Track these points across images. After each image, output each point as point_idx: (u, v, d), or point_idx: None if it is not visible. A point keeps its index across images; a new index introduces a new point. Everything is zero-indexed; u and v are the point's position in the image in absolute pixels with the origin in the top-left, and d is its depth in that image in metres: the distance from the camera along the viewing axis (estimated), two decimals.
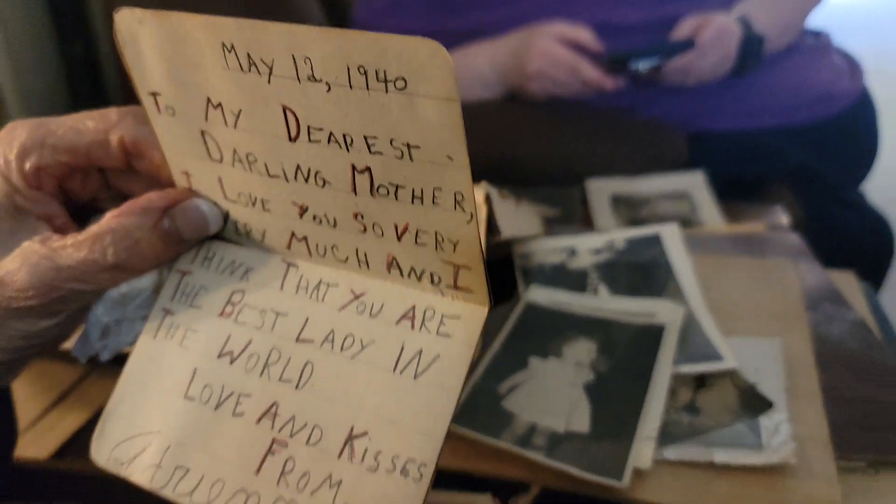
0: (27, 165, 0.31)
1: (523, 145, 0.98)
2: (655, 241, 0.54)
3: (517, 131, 1.00)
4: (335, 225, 0.30)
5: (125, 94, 1.43)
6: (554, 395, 0.42)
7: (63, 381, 0.55)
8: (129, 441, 0.31)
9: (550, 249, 0.55)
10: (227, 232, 0.33)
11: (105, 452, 0.31)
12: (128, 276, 0.31)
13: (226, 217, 0.33)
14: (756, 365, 0.45)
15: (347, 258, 0.30)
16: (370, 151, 0.26)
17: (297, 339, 0.30)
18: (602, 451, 0.38)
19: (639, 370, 0.43)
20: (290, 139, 0.28)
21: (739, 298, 0.51)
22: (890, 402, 0.44)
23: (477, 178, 0.81)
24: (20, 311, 0.30)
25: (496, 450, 0.39)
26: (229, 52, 0.27)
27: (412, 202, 0.27)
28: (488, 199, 0.39)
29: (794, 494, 0.37)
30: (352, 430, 0.28)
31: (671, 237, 0.54)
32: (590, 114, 1.00)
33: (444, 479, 0.39)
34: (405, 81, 0.24)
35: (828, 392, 0.45)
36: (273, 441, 0.29)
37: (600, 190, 0.89)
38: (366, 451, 0.27)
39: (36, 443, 0.49)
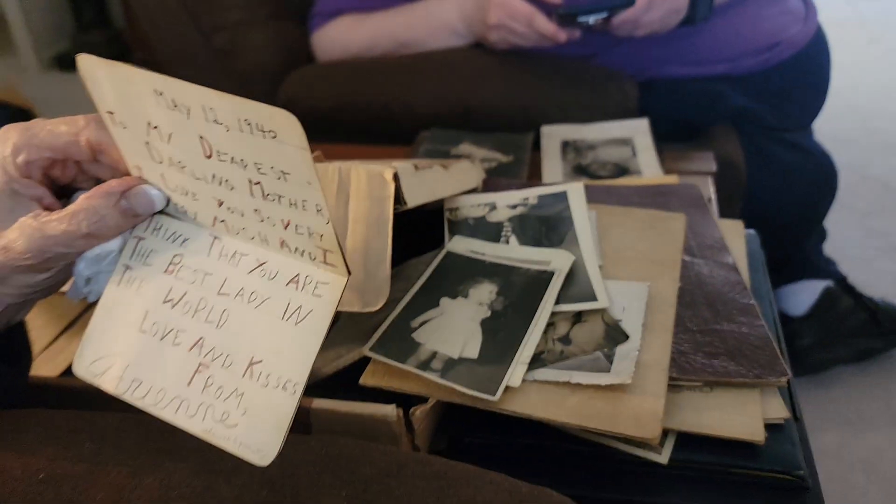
0: (19, 160, 0.41)
1: (483, 93, 1.06)
2: (562, 197, 0.64)
3: (478, 79, 1.07)
4: (243, 215, 0.40)
5: (127, 17, 1.47)
6: (455, 328, 0.53)
7: (69, 314, 0.66)
8: (100, 360, 0.42)
9: (475, 204, 0.65)
10: (170, 209, 0.44)
11: (83, 368, 0.42)
12: (98, 241, 0.42)
13: (168, 200, 0.43)
14: (625, 304, 0.55)
15: (254, 237, 0.41)
16: (259, 172, 0.37)
17: (219, 293, 0.41)
18: (484, 373, 0.49)
19: (527, 309, 0.54)
20: (206, 157, 0.38)
21: (628, 246, 0.61)
22: (734, 335, 0.54)
23: (440, 124, 0.91)
24: (22, 269, 0.41)
25: (402, 371, 0.50)
26: (160, 95, 0.37)
27: (290, 206, 0.38)
28: (396, 177, 0.49)
29: (626, 406, 0.47)
30: (252, 358, 0.39)
31: (576, 194, 0.64)
32: (546, 63, 1.07)
33: (359, 393, 0.50)
34: (275, 133, 0.34)
35: (686, 325, 0.55)
36: (199, 364, 0.40)
37: (552, 136, 0.98)
38: (261, 373, 0.38)
39: (47, 364, 0.61)
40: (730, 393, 0.51)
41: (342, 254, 0.38)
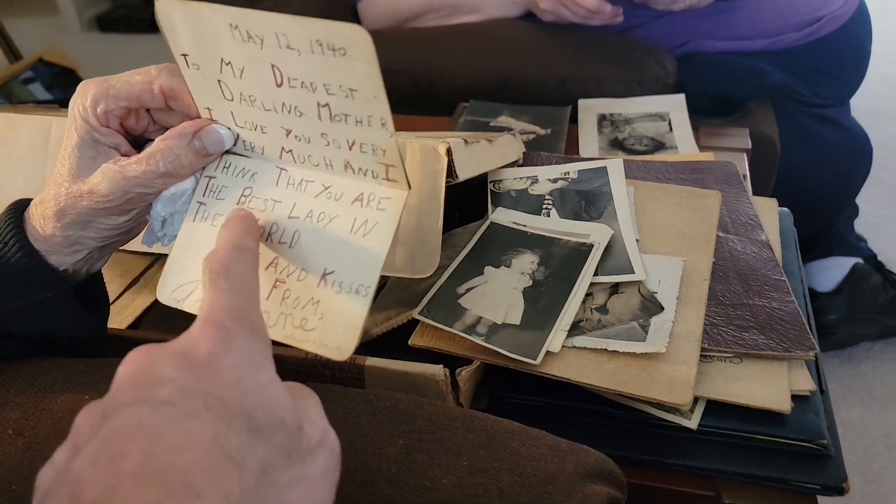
0: (99, 109, 0.44)
1: (521, 65, 1.08)
2: (602, 172, 0.66)
3: (517, 51, 1.09)
4: (309, 141, 0.43)
5: None
6: (499, 296, 0.56)
7: (133, 271, 0.70)
8: (182, 287, 0.46)
9: (517, 177, 0.67)
10: (238, 148, 0.47)
11: (166, 294, 0.46)
12: (174, 180, 0.45)
13: (237, 138, 0.46)
14: (660, 277, 0.58)
15: (319, 164, 0.44)
16: (328, 93, 0.40)
17: (289, 217, 0.45)
18: (526, 338, 0.52)
19: (567, 279, 0.57)
20: (277, 85, 0.41)
21: (663, 221, 0.64)
22: (765, 309, 0.57)
23: (478, 95, 0.93)
24: (105, 211, 0.45)
25: (450, 334, 0.53)
26: (234, 28, 0.40)
27: (356, 125, 0.40)
28: (449, 152, 0.52)
29: (660, 373, 0.50)
30: (325, 269, 0.43)
31: (615, 169, 0.66)
32: (585, 37, 1.09)
33: (409, 353, 0.54)
34: (345, 50, 0.37)
35: (719, 299, 0.58)
36: (276, 280, 0.44)
37: (589, 109, 0.99)
38: (334, 281, 0.42)
39: (114, 318, 0.65)
40: (758, 364, 0.54)
41: (403, 167, 0.41)
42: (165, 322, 0.65)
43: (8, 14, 1.74)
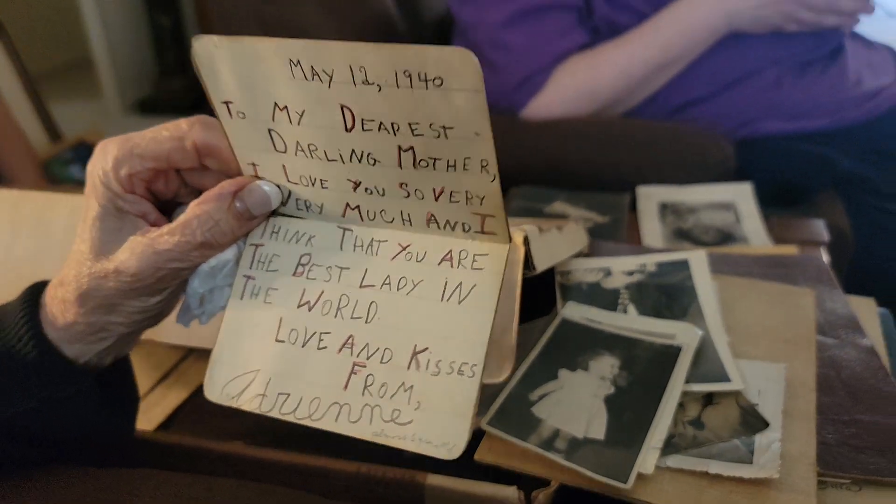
0: (122, 173, 0.38)
1: (574, 149, 1.04)
2: (684, 265, 0.60)
3: (570, 135, 1.05)
4: (383, 194, 0.37)
5: None
6: (577, 404, 0.49)
7: (164, 363, 0.65)
8: (236, 380, 0.39)
9: (588, 269, 0.62)
10: (288, 209, 0.41)
11: (217, 391, 0.39)
12: (213, 251, 0.39)
13: (287, 196, 0.40)
14: (760, 387, 0.51)
15: (393, 219, 0.38)
16: (413, 134, 0.34)
17: (361, 286, 0.38)
18: (613, 456, 0.45)
19: (654, 387, 0.50)
20: (347, 130, 0.35)
21: (755, 322, 0.57)
22: (881, 427, 0.49)
23: (536, 182, 0.88)
24: (135, 292, 0.38)
25: (523, 450, 0.47)
26: (295, 66, 0.34)
27: (447, 170, 0.34)
28: (526, 241, 0.46)
29: (773, 503, 0.43)
30: (415, 347, 0.36)
31: (698, 263, 0.60)
32: (637, 121, 1.05)
33: (477, 472, 0.47)
34: (442, 80, 0.31)
35: (826, 413, 0.51)
36: (354, 364, 0.37)
37: (649, 197, 0.94)
38: (429, 361, 0.36)
39: (143, 416, 0.58)
40: (882, 494, 0.46)
41: (505, 216, 0.35)
42: (201, 421, 0.59)
43: (53, 96, 1.77)
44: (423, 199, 0.36)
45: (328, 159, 0.37)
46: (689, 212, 0.91)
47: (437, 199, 0.36)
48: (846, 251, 0.96)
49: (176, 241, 0.37)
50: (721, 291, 0.60)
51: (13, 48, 1.40)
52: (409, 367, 0.36)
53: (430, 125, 0.33)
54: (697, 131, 1.05)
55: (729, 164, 1.03)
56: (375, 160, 0.36)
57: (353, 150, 0.36)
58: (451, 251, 0.37)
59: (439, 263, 0.37)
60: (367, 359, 0.37)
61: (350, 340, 0.38)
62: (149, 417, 0.59)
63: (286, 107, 0.36)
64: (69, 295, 0.39)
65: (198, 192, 0.41)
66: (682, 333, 0.54)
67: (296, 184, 0.39)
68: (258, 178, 0.40)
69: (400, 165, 0.35)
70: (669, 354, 0.52)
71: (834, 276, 0.65)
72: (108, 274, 0.38)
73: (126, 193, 0.39)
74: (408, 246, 0.38)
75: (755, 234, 0.85)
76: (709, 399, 0.50)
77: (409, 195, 0.37)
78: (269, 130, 0.37)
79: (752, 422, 0.48)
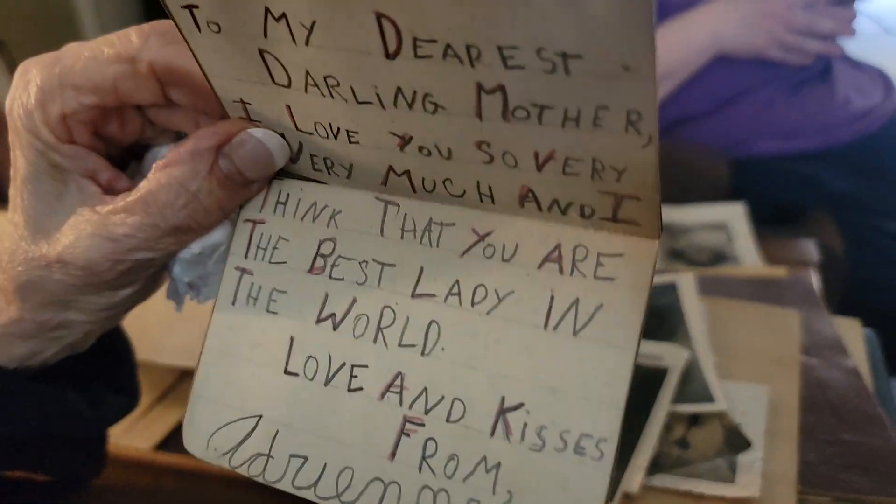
0: (52, 114, 0.26)
1: None
2: (672, 288, 0.62)
3: None
4: (449, 156, 0.24)
5: None
6: None
7: (163, 382, 0.62)
8: (228, 427, 0.27)
9: None
10: (301, 168, 0.28)
11: (200, 441, 0.27)
12: (193, 235, 0.27)
13: (298, 149, 0.27)
14: (744, 407, 0.52)
15: (465, 192, 0.25)
16: (505, 66, 0.20)
17: (413, 295, 0.25)
18: None
19: (640, 407, 0.51)
20: (388, 55, 0.21)
21: (742, 344, 0.59)
22: (861, 446, 0.51)
23: None
24: (92, 288, 0.27)
25: None
26: None
27: (563, 125, 0.21)
28: None
29: None
30: (503, 401, 0.24)
31: (686, 285, 0.62)
32: None
33: None
34: None
35: (808, 433, 0.52)
36: (405, 419, 0.25)
37: None
38: (525, 426, 0.23)
39: (140, 436, 0.57)
40: None
41: (658, 199, 0.22)
42: None
43: None
44: (515, 166, 0.23)
45: (357, 101, 0.23)
46: (683, 232, 0.92)
47: (539, 169, 0.23)
48: (839, 271, 0.97)
49: (138, 224, 0.26)
50: (710, 313, 0.61)
51: (14, 65, 1.42)
52: (493, 434, 0.24)
53: (539, 51, 0.19)
54: (692, 150, 1.07)
55: (724, 183, 1.05)
56: (437, 105, 0.22)
57: (398, 89, 0.22)
58: (559, 246, 0.24)
59: (540, 266, 0.24)
60: (426, 413, 0.25)
61: (398, 381, 0.25)
62: (146, 437, 0.59)
63: (284, 15, 0.22)
64: (6, 284, 0.28)
65: (174, 134, 0.29)
66: (669, 355, 0.55)
67: (309, 133, 0.26)
68: (251, 122, 0.27)
69: (479, 115, 0.22)
70: (657, 376, 0.54)
71: (821, 297, 0.67)
72: (51, 263, 0.27)
73: (61, 144, 0.27)
74: (487, 234, 0.25)
75: (747, 254, 0.87)
76: (694, 419, 0.52)
77: (492, 160, 0.23)
78: (261, 52, 0.24)
79: (736, 442, 0.50)
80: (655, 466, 0.48)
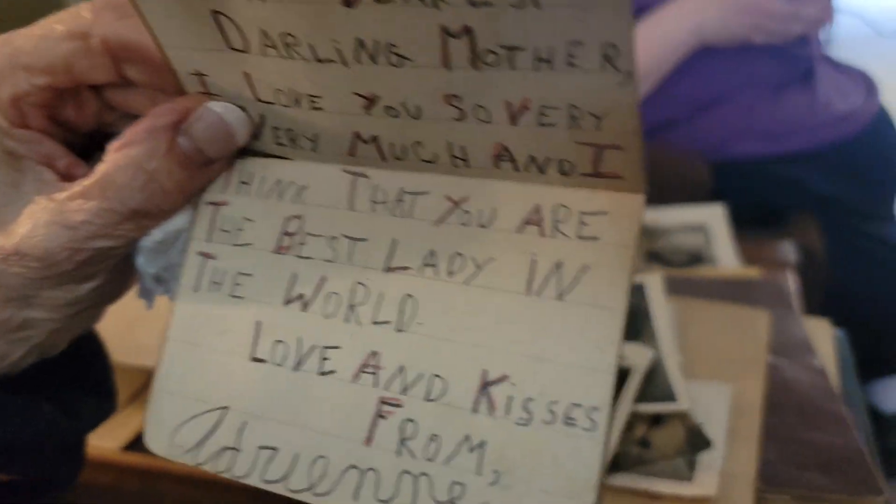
0: (3, 96, 0.25)
1: None
2: (640, 289, 0.62)
3: None
4: (418, 115, 0.23)
5: None
6: None
7: (134, 383, 0.62)
8: (193, 421, 0.25)
9: None
10: (264, 144, 0.26)
11: (163, 439, 0.26)
12: (154, 221, 0.26)
13: (261, 123, 0.26)
14: (707, 407, 0.52)
15: (436, 157, 0.24)
16: (471, 3, 0.19)
17: (386, 269, 0.24)
18: None
19: None
20: (347, 3, 0.20)
21: (708, 343, 0.59)
22: (823, 445, 0.51)
23: None
24: (51, 281, 0.26)
25: None
26: None
27: (534, 68, 0.20)
28: None
29: None
30: (485, 374, 0.22)
31: (654, 286, 0.62)
32: None
33: None
34: None
35: (772, 432, 0.52)
36: (380, 401, 0.23)
37: None
38: (510, 399, 0.22)
39: (108, 435, 0.57)
40: None
41: (640, 146, 0.21)
42: None
43: None
44: (488, 121, 0.22)
45: (318, 59, 0.22)
46: (662, 233, 0.92)
47: (513, 121, 0.22)
48: (819, 272, 0.98)
49: (95, 210, 0.24)
50: (678, 313, 0.62)
51: None
52: (475, 410, 0.22)
53: None
54: (674, 153, 1.07)
55: (706, 185, 1.05)
56: (401, 56, 0.21)
57: (360, 41, 0.21)
58: (538, 207, 0.23)
59: (519, 230, 0.23)
60: (403, 392, 0.23)
61: (372, 361, 0.24)
62: (114, 437, 0.59)
63: None
64: None
65: (133, 117, 0.28)
66: (633, 354, 0.55)
67: (270, 103, 0.25)
68: (209, 95, 0.26)
69: (447, 64, 0.21)
70: (619, 375, 0.54)
71: (797, 298, 0.67)
72: (8, 256, 0.25)
73: (15, 129, 0.26)
74: (463, 200, 0.24)
75: (725, 255, 0.87)
76: (656, 419, 0.52)
77: (463, 115, 0.22)
78: (215, 13, 0.23)
79: (696, 441, 0.50)
80: (615, 466, 0.48)
